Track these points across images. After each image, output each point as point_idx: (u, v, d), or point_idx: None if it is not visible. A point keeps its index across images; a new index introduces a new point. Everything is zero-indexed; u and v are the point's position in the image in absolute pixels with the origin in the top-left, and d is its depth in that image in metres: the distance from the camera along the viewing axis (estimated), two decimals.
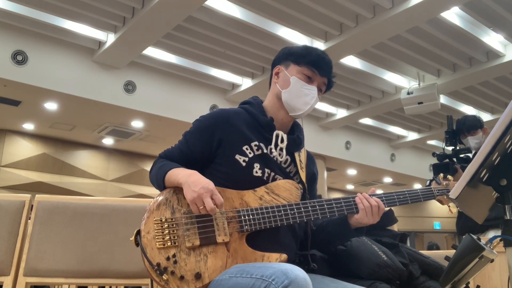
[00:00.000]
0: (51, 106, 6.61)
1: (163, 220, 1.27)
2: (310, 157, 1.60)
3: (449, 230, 13.07)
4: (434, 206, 12.96)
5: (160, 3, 4.89)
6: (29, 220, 1.79)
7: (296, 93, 1.44)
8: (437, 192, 1.49)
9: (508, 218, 1.17)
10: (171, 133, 6.95)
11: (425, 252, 1.87)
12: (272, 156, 1.42)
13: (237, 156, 1.38)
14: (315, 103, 1.47)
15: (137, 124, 7.32)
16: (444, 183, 1.51)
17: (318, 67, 1.45)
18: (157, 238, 1.24)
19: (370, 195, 1.39)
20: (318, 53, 1.47)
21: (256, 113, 1.46)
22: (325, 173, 9.38)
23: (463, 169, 1.54)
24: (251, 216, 1.31)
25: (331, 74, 1.49)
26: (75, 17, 5.53)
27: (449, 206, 1.48)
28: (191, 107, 7.04)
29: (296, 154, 1.49)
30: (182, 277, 1.21)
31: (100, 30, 5.88)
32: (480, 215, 1.32)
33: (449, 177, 1.52)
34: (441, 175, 1.53)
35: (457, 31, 5.81)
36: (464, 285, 1.32)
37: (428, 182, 1.54)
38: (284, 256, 1.30)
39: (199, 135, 1.41)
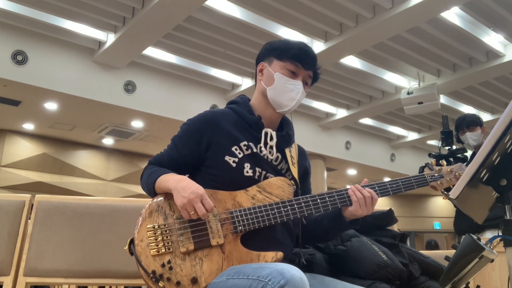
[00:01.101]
0: (51, 106, 6.61)
1: (156, 227, 1.26)
2: (302, 152, 1.58)
3: (449, 230, 13.06)
4: (434, 206, 12.96)
5: (160, 3, 4.89)
6: (29, 220, 1.79)
7: (281, 89, 1.42)
8: (430, 178, 1.47)
9: (508, 218, 1.17)
10: (171, 133, 6.89)
11: (425, 252, 1.87)
12: (262, 154, 1.41)
13: (227, 158, 1.37)
14: (301, 98, 1.44)
15: (137, 124, 7.32)
16: (437, 169, 1.49)
17: (301, 61, 1.42)
18: (151, 245, 1.24)
19: (362, 186, 1.38)
20: (301, 47, 1.44)
21: (244, 112, 1.45)
22: (325, 173, 9.37)
23: None
24: (244, 217, 1.30)
25: (315, 66, 1.46)
26: (75, 17, 5.53)
27: (442, 192, 1.47)
28: (191, 107, 7.03)
29: (287, 150, 1.48)
30: (178, 283, 1.20)
31: (100, 30, 5.88)
32: (480, 215, 1.32)
33: (442, 162, 1.51)
34: (433, 161, 1.51)
35: (457, 31, 5.81)
36: (464, 285, 1.32)
37: (420, 169, 1.51)
38: (280, 254, 1.29)
39: (187, 139, 1.40)
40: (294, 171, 1.46)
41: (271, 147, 1.43)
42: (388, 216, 1.86)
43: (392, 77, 7.33)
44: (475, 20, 5.73)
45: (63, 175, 8.06)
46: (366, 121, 9.16)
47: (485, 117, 8.71)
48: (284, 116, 1.53)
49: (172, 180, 1.29)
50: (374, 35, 5.73)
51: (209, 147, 1.38)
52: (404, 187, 1.43)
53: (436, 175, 1.48)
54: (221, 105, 7.42)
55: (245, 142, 1.40)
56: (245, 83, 7.30)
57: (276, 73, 1.43)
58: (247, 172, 1.37)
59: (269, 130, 1.44)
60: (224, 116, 1.43)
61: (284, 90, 1.42)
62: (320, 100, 8.08)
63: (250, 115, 1.45)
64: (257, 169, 1.39)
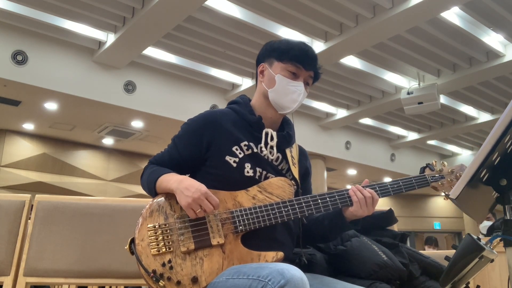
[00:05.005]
0: (51, 106, 6.61)
1: (156, 226, 1.26)
2: (302, 152, 1.58)
3: (449, 230, 13.07)
4: (434, 206, 12.96)
5: (160, 3, 4.89)
6: (29, 220, 1.79)
7: (283, 91, 1.42)
8: (431, 179, 1.46)
9: (508, 218, 1.16)
10: (171, 133, 6.91)
11: (425, 252, 1.87)
12: (262, 154, 1.41)
13: (227, 157, 1.37)
14: (303, 99, 1.44)
15: (137, 124, 7.32)
16: (438, 169, 1.49)
17: (302, 62, 1.42)
18: (152, 245, 1.24)
19: (363, 187, 1.38)
20: (301, 47, 1.44)
21: (244, 112, 1.45)
22: (325, 173, 9.37)
23: None
24: (244, 216, 1.30)
25: (316, 66, 1.46)
26: (75, 17, 5.53)
27: (444, 192, 1.46)
28: (191, 107, 7.03)
29: (288, 151, 1.48)
30: (179, 282, 1.20)
31: (100, 30, 5.88)
32: (480, 215, 1.32)
33: (443, 162, 1.51)
34: (435, 161, 1.52)
35: (457, 31, 5.80)
36: (464, 285, 1.31)
37: (421, 169, 1.51)
38: (281, 254, 1.29)
39: (187, 139, 1.40)
40: (295, 171, 1.46)
41: (271, 147, 1.43)
42: (388, 216, 1.86)
43: (392, 77, 7.33)
44: (475, 20, 5.72)
45: (63, 175, 8.06)
46: (366, 121, 9.16)
47: (485, 117, 8.72)
48: (285, 117, 1.53)
49: (173, 181, 1.29)
50: (374, 35, 5.73)
51: (210, 147, 1.38)
52: (405, 187, 1.43)
53: (437, 175, 1.47)
54: (221, 105, 7.42)
55: (246, 142, 1.40)
56: (245, 83, 7.30)
57: (277, 75, 1.42)
58: (248, 172, 1.37)
59: (270, 130, 1.44)
60: (225, 116, 1.43)
61: (285, 92, 1.42)
62: (320, 100, 8.08)
63: (250, 115, 1.45)
64: (258, 169, 1.39)
